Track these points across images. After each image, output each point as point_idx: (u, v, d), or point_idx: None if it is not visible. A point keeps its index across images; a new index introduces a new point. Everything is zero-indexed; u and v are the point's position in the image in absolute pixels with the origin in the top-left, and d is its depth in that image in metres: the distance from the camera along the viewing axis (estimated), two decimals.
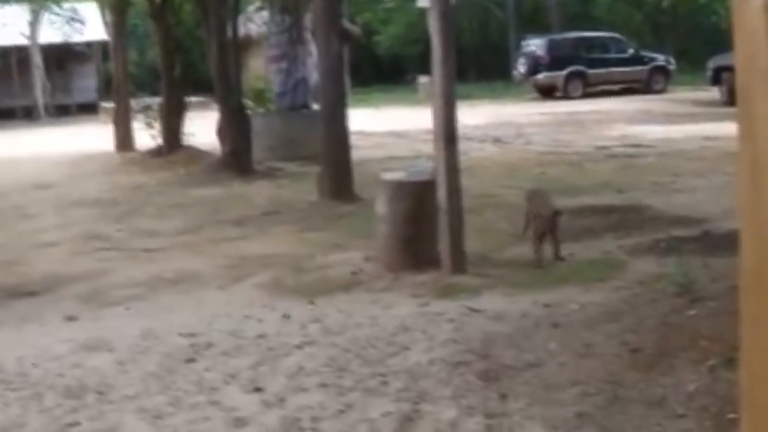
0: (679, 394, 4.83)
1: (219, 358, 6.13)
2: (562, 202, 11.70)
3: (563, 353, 5.69)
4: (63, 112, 40.37)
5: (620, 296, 6.97)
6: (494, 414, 4.87)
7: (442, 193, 8.11)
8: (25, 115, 40.07)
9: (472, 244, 8.44)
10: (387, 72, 44.35)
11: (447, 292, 7.54)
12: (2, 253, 10.95)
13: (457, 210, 8.16)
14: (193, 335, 6.60)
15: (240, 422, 4.98)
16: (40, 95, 40.56)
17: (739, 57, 1.54)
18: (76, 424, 5.15)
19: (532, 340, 6.01)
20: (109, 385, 5.74)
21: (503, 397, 5.10)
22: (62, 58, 42.25)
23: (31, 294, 8.79)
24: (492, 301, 7.13)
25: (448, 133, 8.21)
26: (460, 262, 8.10)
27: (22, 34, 39.31)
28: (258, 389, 5.46)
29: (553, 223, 8.59)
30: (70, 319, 7.73)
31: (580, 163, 16.36)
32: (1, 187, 17.18)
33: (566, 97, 34.15)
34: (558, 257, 8.61)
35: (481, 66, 42.87)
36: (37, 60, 40.75)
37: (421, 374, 5.52)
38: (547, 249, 8.59)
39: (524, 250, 8.74)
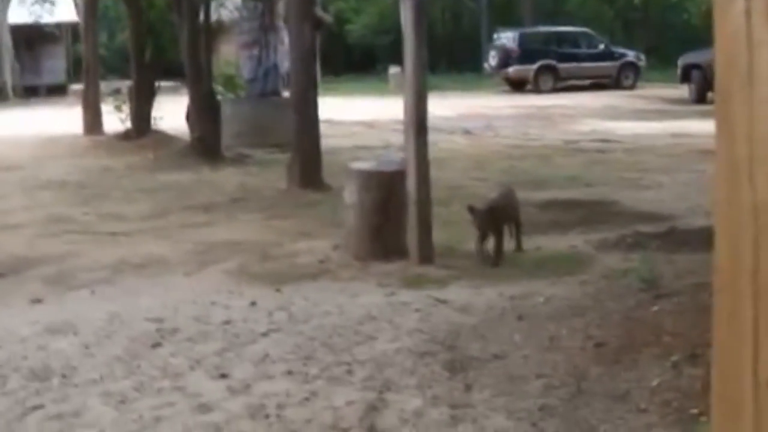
0: (642, 388, 4.87)
1: (184, 343, 6.12)
2: (530, 195, 11.80)
3: (528, 346, 5.73)
4: (32, 93, 40.07)
5: (586, 290, 7.01)
6: (459, 404, 4.90)
7: (411, 183, 8.13)
8: None
9: (439, 235, 8.47)
10: (357, 61, 44.32)
11: (414, 282, 7.56)
12: None
13: (426, 201, 8.19)
14: (159, 320, 6.59)
15: (205, 408, 4.98)
16: (8, 76, 40.21)
17: (719, 58, 1.57)
18: (41, 406, 5.13)
19: (498, 332, 6.04)
20: (73, 368, 5.73)
21: (468, 388, 5.13)
22: (32, 38, 41.94)
23: None
24: (458, 293, 7.16)
25: (418, 123, 8.23)
26: (427, 253, 8.13)
27: None
28: (223, 375, 5.46)
29: (482, 219, 8.25)
30: (36, 301, 7.69)
31: (548, 156, 16.43)
32: None
33: (536, 90, 34.25)
34: (518, 249, 8.69)
35: (453, 57, 42.91)
36: (6, 40, 40.41)
37: (387, 363, 5.54)
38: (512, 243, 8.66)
39: (491, 243, 8.76)
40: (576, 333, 5.83)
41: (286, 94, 18.38)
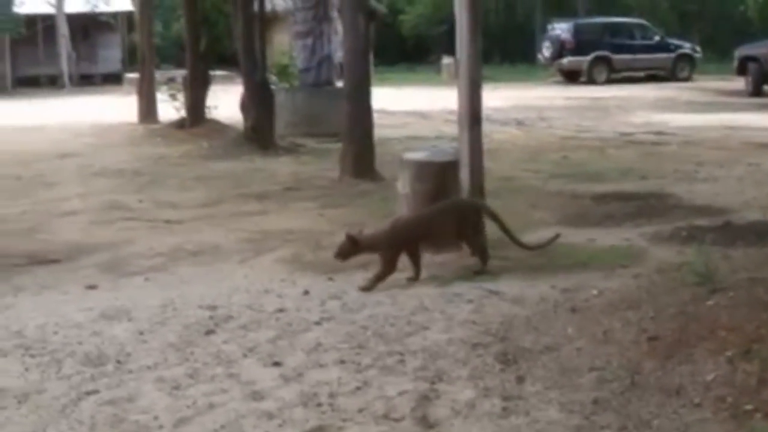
0: (696, 383, 4.83)
1: (238, 331, 6.16)
2: (584, 187, 11.75)
3: (581, 338, 5.71)
4: (87, 81, 40.46)
5: (639, 284, 6.95)
6: (511, 396, 4.89)
7: (464, 174, 8.12)
8: (50, 83, 40.17)
9: (492, 227, 8.44)
10: (411, 52, 44.24)
11: (466, 273, 7.55)
12: (25, 220, 11.01)
13: (480, 192, 8.17)
14: (212, 308, 6.64)
15: (258, 395, 5.01)
16: (65, 64, 40.61)
17: None
18: (95, 392, 5.20)
19: (551, 324, 6.02)
20: (128, 354, 5.79)
21: (520, 379, 5.12)
22: (88, 27, 42.35)
23: (53, 262, 8.83)
24: (511, 284, 7.13)
25: (472, 114, 8.21)
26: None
27: (49, 3, 39.44)
28: (276, 363, 5.49)
29: (345, 247, 7.45)
30: (91, 287, 7.77)
31: (602, 148, 16.31)
32: (25, 155, 17.25)
33: (590, 82, 34.03)
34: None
35: (506, 48, 42.68)
36: (63, 29, 40.81)
37: (439, 354, 5.54)
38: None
39: (545, 235, 8.73)
40: (630, 326, 5.79)
41: (339, 84, 18.40)
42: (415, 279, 7.39)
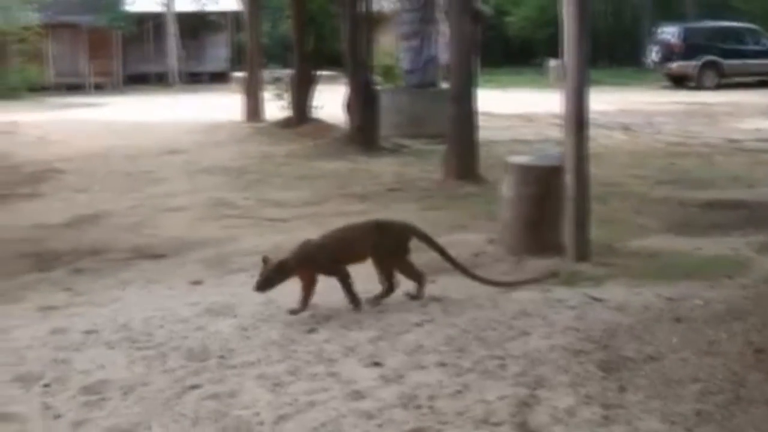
0: None
1: (339, 330, 6.20)
2: (690, 194, 11.56)
3: (685, 349, 5.62)
4: (195, 79, 41.12)
5: (746, 294, 6.82)
6: (612, 405, 4.84)
7: (569, 179, 8.05)
8: (159, 81, 40.92)
9: (596, 233, 8.36)
10: (516, 54, 44.00)
11: (569, 279, 7.48)
12: (133, 215, 11.24)
13: (584, 197, 8.09)
14: (313, 306, 6.68)
15: (358, 395, 5.03)
16: (174, 62, 41.33)
17: None
18: (198, 386, 5.28)
19: (654, 334, 5.93)
20: (231, 350, 5.87)
21: (622, 388, 5.06)
22: (196, 26, 43.02)
23: (159, 256, 8.99)
24: (614, 291, 7.05)
25: (578, 118, 8.13)
26: (584, 250, 8.03)
27: (158, 2, 40.14)
28: (377, 364, 5.51)
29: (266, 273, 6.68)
30: (196, 283, 7.89)
31: (710, 155, 16.05)
32: (134, 151, 17.61)
33: (699, 87, 33.46)
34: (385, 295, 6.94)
35: (613, 52, 42.22)
36: (172, 28, 41.53)
37: (540, 360, 5.50)
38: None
39: (650, 242, 8.64)
40: (735, 338, 5.69)
41: (444, 85, 18.40)
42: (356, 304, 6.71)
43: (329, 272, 6.76)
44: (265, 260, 6.70)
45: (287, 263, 6.65)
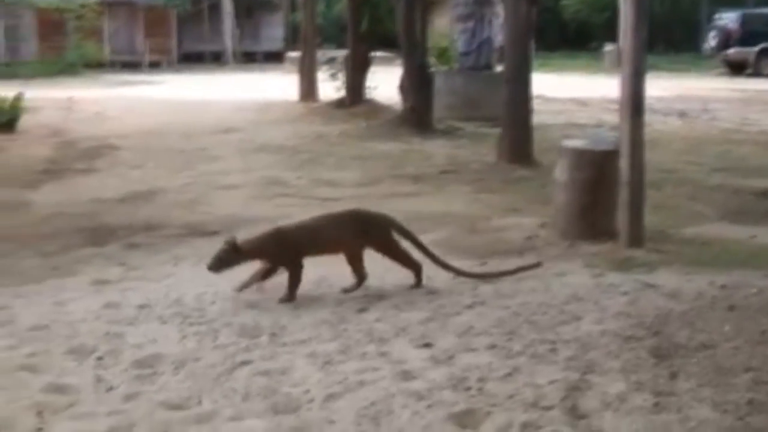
0: None
1: (390, 310, 6.21)
2: (746, 182, 11.43)
3: (738, 337, 5.57)
4: (249, 58, 41.33)
5: None
6: (663, 392, 4.80)
7: (624, 164, 7.99)
8: (214, 59, 41.15)
9: (650, 219, 8.30)
10: (572, 38, 43.76)
11: (622, 264, 7.44)
12: (186, 192, 11.30)
13: (639, 183, 8.03)
14: (365, 287, 6.70)
15: (408, 375, 5.04)
16: (229, 41, 41.51)
17: None
18: (249, 362, 5.31)
19: (707, 321, 5.89)
20: (282, 327, 5.90)
21: (673, 375, 5.03)
22: (251, 6, 43.22)
23: (212, 233, 9.03)
24: (667, 278, 7.00)
25: (635, 103, 8.06)
26: (637, 236, 7.98)
27: None
28: (427, 345, 5.51)
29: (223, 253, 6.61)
30: None
31: (766, 143, 15.86)
32: (189, 128, 17.72)
33: (757, 74, 33.08)
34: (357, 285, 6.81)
35: (670, 37, 41.85)
36: (228, 7, 41.71)
37: (591, 345, 5.48)
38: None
39: (704, 230, 8.56)
40: None
41: (498, 68, 18.33)
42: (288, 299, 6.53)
43: (283, 264, 6.64)
44: (227, 241, 6.62)
45: (241, 248, 6.55)
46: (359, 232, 6.76)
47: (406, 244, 6.92)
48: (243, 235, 6.86)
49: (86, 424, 4.53)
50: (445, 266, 6.93)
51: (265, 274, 6.71)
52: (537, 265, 7.18)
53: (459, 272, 6.97)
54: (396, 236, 6.91)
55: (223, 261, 6.57)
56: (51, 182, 12.34)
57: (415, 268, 6.85)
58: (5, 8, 39.11)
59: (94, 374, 5.18)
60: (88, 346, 5.62)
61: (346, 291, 6.71)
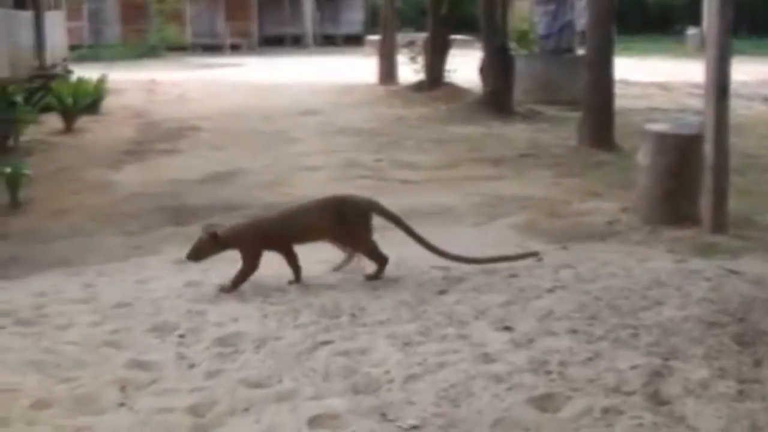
0: None
1: (470, 293, 6.18)
2: None
3: None
4: (329, 42, 41.44)
5: None
6: (747, 379, 4.73)
7: (708, 149, 7.88)
8: (294, 42, 41.34)
9: (734, 205, 8.18)
10: (655, 21, 43.20)
11: (705, 250, 7.34)
12: (268, 173, 11.39)
13: (723, 168, 7.91)
14: (445, 268, 6.69)
15: (488, 358, 5.01)
16: (309, 25, 41.66)
17: None
18: (329, 342, 5.33)
19: None
20: (362, 308, 5.90)
21: (758, 363, 4.94)
22: None
23: None
24: (752, 265, 6.89)
25: (720, 88, 7.95)
26: (721, 222, 7.87)
27: None
28: (507, 328, 5.48)
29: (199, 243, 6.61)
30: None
31: None
32: (270, 111, 17.84)
33: None
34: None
35: (755, 21, 41.10)
36: None
37: (674, 331, 5.41)
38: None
39: None
40: None
41: (579, 51, 18.17)
42: (295, 281, 6.59)
43: (246, 254, 6.53)
44: (205, 230, 6.60)
45: (219, 237, 6.51)
46: (340, 219, 6.64)
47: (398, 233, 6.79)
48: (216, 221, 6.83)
49: (168, 400, 4.59)
50: (434, 250, 6.73)
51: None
52: (535, 254, 7.00)
53: (448, 256, 6.76)
54: (385, 221, 6.79)
55: (201, 250, 6.57)
56: (134, 163, 12.52)
57: (380, 261, 6.69)
58: None
59: (176, 351, 5.25)
60: (170, 323, 5.70)
61: (369, 278, 6.62)
